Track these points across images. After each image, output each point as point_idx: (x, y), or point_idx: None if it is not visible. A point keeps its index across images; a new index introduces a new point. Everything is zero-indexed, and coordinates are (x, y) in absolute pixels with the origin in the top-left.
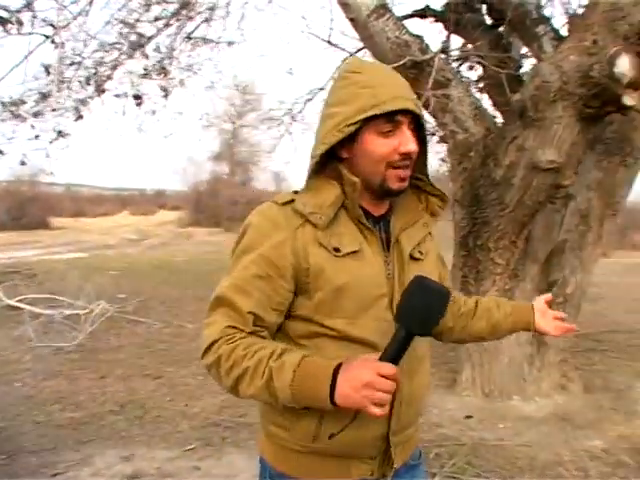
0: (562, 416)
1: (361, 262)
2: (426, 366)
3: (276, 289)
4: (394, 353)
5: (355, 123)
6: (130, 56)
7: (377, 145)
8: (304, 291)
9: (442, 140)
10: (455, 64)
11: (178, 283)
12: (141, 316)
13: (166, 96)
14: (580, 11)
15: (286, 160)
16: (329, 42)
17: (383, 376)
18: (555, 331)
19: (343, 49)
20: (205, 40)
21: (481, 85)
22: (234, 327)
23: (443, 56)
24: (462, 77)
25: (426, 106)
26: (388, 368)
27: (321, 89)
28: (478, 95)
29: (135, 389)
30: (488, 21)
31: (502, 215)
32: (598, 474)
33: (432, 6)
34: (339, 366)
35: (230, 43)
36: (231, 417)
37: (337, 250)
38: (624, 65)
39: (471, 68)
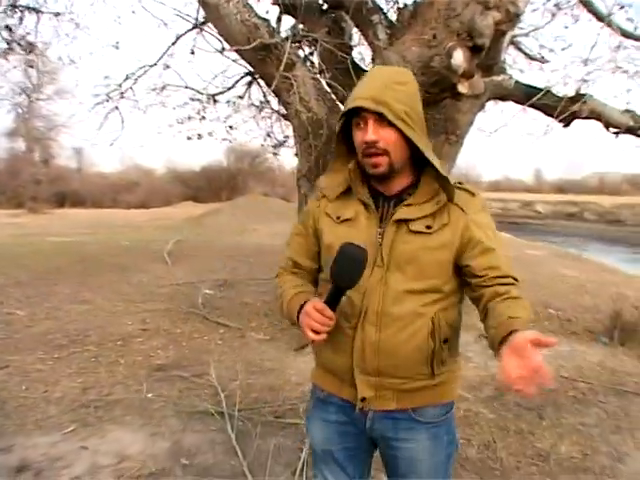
0: None
1: (353, 228)
2: (407, 329)
3: (307, 242)
4: (327, 298)
5: (341, 118)
6: None
7: (355, 137)
8: (320, 246)
9: (286, 118)
10: (298, 46)
11: None
12: None
13: None
14: (409, 2)
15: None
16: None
17: (317, 309)
18: (514, 382)
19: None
20: (29, 9)
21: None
22: (282, 267)
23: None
24: (306, 59)
25: (272, 85)
26: (319, 305)
27: (153, 65)
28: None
29: None
30: (324, 5)
31: None
32: None
33: None
34: (306, 302)
35: (57, 14)
36: (98, 397)
37: (338, 218)
38: (459, 58)
39: (312, 53)
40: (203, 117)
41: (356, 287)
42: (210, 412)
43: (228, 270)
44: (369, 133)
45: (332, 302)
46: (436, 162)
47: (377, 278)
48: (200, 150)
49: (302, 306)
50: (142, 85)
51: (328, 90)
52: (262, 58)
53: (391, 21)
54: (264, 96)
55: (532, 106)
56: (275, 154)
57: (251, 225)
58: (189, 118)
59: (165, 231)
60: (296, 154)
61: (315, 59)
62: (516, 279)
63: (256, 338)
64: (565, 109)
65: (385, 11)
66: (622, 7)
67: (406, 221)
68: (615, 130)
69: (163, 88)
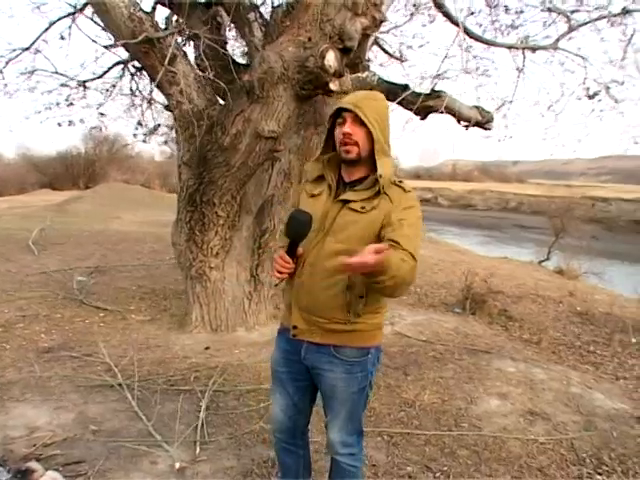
0: None
1: (316, 202)
2: (329, 280)
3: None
4: (286, 249)
5: (330, 119)
6: None
7: (336, 131)
8: None
9: (167, 109)
10: (180, 40)
11: None
12: None
13: None
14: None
15: None
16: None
17: (280, 257)
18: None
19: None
20: None
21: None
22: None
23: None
24: (186, 53)
25: (156, 79)
26: (282, 254)
27: (26, 49)
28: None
29: None
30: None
31: (227, 175)
32: None
33: None
34: None
35: None
36: None
37: (310, 194)
38: (331, 59)
39: (195, 46)
40: (71, 103)
41: (305, 244)
42: (109, 384)
43: (97, 257)
44: (346, 126)
45: (290, 252)
46: (380, 161)
47: (318, 239)
48: (55, 136)
49: None
50: (12, 69)
51: (207, 83)
52: (146, 51)
53: (266, 19)
54: (136, 85)
55: (393, 101)
56: (145, 142)
57: (114, 213)
58: (57, 104)
59: (26, 219)
60: (177, 142)
61: (191, 53)
62: (413, 255)
63: (137, 319)
64: (423, 104)
65: (261, 9)
66: (472, 13)
67: (348, 202)
68: (465, 123)
69: (32, 72)
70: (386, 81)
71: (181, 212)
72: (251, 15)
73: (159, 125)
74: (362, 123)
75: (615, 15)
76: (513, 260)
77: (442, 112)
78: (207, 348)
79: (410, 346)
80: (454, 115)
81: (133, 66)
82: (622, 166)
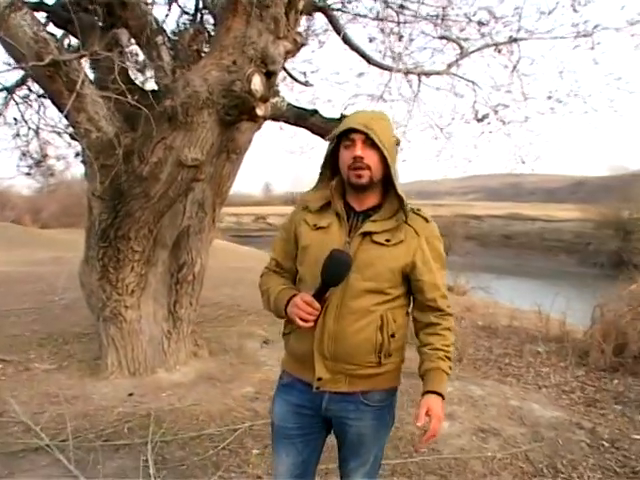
0: (207, 377)
1: (326, 235)
2: (360, 322)
3: (288, 246)
4: (315, 292)
5: (333, 141)
6: None
7: (343, 156)
8: (297, 249)
9: (73, 138)
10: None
11: None
12: None
13: None
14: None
15: None
16: None
17: (306, 302)
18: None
19: None
20: None
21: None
22: (267, 267)
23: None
24: (94, 78)
25: (62, 105)
26: (307, 297)
27: None
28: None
29: None
30: (101, 23)
31: (146, 207)
32: (262, 408)
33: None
34: (293, 296)
35: None
36: None
37: (314, 225)
38: (257, 83)
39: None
40: None
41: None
42: (34, 447)
43: None
44: (357, 149)
45: (319, 296)
46: (399, 187)
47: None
48: None
49: (290, 299)
50: None
51: (114, 109)
52: (50, 75)
53: (175, 42)
54: (21, 114)
55: (301, 126)
56: (29, 174)
57: None
58: None
59: None
60: (86, 175)
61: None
62: (447, 312)
63: (42, 369)
64: (330, 129)
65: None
66: (371, 40)
67: (370, 234)
68: None
69: None
70: (295, 106)
71: (92, 249)
72: (159, 39)
73: (46, 156)
74: (373, 145)
75: (503, 43)
76: None
77: None
78: (131, 394)
79: None
80: None
81: (18, 95)
82: (487, 184)
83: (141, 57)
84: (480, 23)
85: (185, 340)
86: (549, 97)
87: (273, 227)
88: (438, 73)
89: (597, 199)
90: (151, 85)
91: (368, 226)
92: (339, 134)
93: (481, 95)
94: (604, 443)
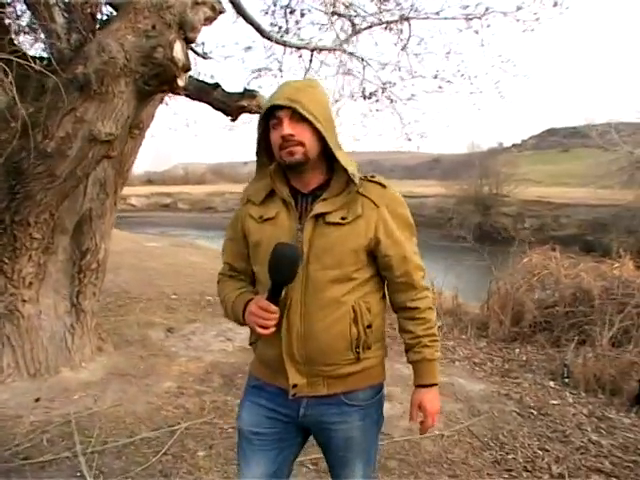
0: (118, 373)
1: (274, 226)
2: (330, 317)
3: (238, 245)
4: (268, 294)
5: (260, 123)
6: None
7: (272, 137)
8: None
9: None
10: None
11: None
12: None
13: None
14: None
15: None
16: None
17: (262, 307)
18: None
19: None
20: None
21: None
22: (221, 273)
23: None
24: None
25: None
26: (262, 302)
27: None
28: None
29: None
30: None
31: (49, 188)
32: (192, 404)
33: None
34: (250, 301)
35: None
36: None
37: (260, 217)
38: (178, 51)
39: None
40: None
41: None
42: None
43: None
44: (284, 127)
45: (273, 297)
46: (342, 156)
47: (299, 270)
48: None
49: (246, 305)
50: None
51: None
52: None
53: (69, 3)
54: None
55: (203, 100)
56: None
57: None
58: None
59: None
60: None
61: None
62: (423, 286)
63: None
64: (235, 104)
65: None
66: (266, 12)
67: (323, 215)
68: None
69: None
70: (198, 80)
71: None
72: None
73: None
74: (303, 119)
75: (393, 22)
76: None
77: (256, 112)
78: (37, 400)
79: None
80: None
81: None
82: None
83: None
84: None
85: (89, 334)
86: (435, 76)
87: (136, 208)
88: (331, 49)
89: (453, 176)
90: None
91: (319, 207)
92: (264, 114)
93: (370, 72)
94: (532, 411)
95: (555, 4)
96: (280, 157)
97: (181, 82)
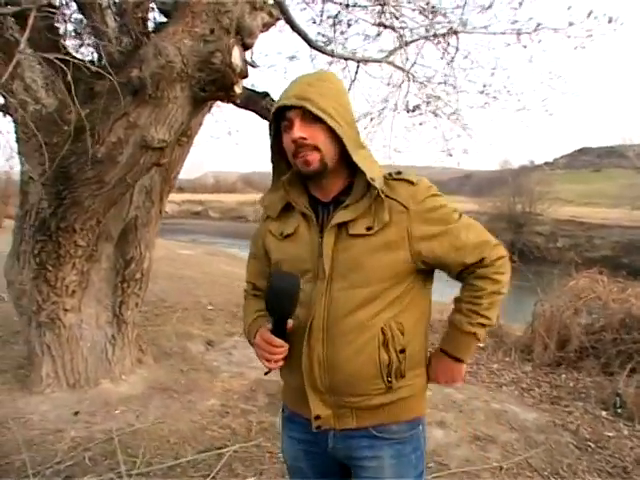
0: (160, 387)
1: (295, 243)
2: (355, 342)
3: (260, 263)
4: (272, 328)
5: (270, 130)
6: None
7: (285, 142)
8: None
9: (4, 112)
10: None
11: None
12: None
13: None
14: None
15: None
16: None
17: (266, 341)
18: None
19: None
20: None
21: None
22: (245, 290)
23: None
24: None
25: None
26: (266, 335)
27: None
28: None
29: None
30: None
31: (97, 194)
32: (238, 425)
33: None
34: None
35: None
36: None
37: (281, 234)
38: (237, 57)
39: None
40: None
41: (301, 302)
42: None
43: None
44: (295, 130)
45: (279, 331)
46: (361, 158)
47: (321, 291)
48: None
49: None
50: None
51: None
52: None
53: (120, 6)
54: None
55: (251, 109)
56: None
57: None
58: None
59: None
60: (20, 155)
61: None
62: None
63: None
64: None
65: None
66: (314, 22)
67: (345, 224)
68: None
69: None
70: (247, 88)
71: (26, 242)
72: (105, 1)
73: None
74: (316, 119)
75: (441, 35)
76: None
77: None
78: (77, 413)
79: None
80: None
81: None
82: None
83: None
84: (422, 13)
85: (130, 346)
86: (482, 92)
87: (168, 215)
88: (378, 61)
89: (485, 192)
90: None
91: (339, 215)
92: (274, 117)
93: (415, 86)
94: (590, 444)
95: (610, 20)
96: (295, 165)
97: (238, 89)
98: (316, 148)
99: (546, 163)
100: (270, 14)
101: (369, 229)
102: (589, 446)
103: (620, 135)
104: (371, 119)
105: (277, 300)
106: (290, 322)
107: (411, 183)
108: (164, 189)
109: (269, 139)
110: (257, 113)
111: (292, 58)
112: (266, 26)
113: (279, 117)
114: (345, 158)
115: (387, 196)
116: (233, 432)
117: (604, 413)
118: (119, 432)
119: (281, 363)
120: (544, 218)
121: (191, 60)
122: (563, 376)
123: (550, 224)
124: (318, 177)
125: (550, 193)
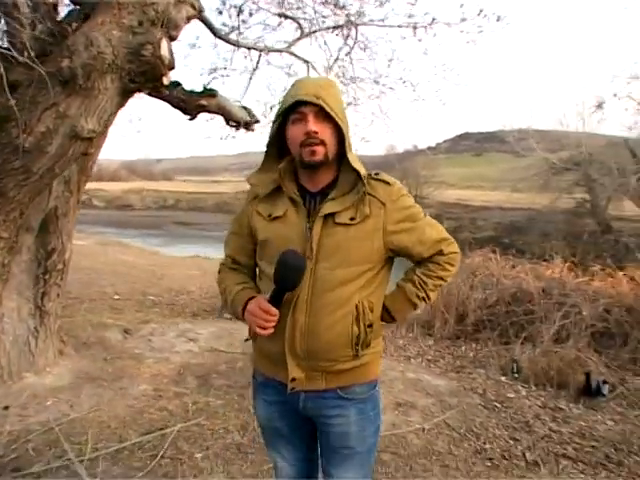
0: (87, 377)
1: (283, 224)
2: (333, 315)
3: (243, 240)
4: (271, 298)
5: (279, 117)
6: None
7: (292, 132)
8: (255, 243)
9: None
10: None
11: None
12: None
13: None
14: None
15: None
16: None
17: (262, 309)
18: None
19: None
20: None
21: None
22: (222, 263)
23: None
24: None
25: None
26: (264, 304)
27: None
28: None
29: None
30: None
31: (24, 185)
32: (175, 406)
33: None
34: (250, 299)
35: None
36: None
37: (269, 216)
38: (165, 49)
39: None
40: None
41: None
42: None
43: None
44: (310, 124)
45: (276, 300)
46: (354, 158)
47: (307, 270)
48: None
49: (247, 302)
50: None
51: None
52: None
53: None
54: None
55: (161, 98)
56: None
57: None
58: None
59: None
60: None
61: None
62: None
63: None
64: (195, 103)
65: None
66: (220, 12)
67: (332, 214)
68: (234, 124)
69: None
70: None
71: None
72: None
73: None
74: (327, 118)
75: (341, 26)
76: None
77: (214, 112)
78: (6, 408)
79: (234, 361)
80: (224, 115)
81: None
82: (260, 160)
83: None
84: (323, 4)
85: (52, 337)
86: (376, 82)
87: None
88: (280, 50)
89: None
90: None
91: (328, 207)
92: (286, 109)
93: (314, 75)
94: (496, 404)
95: (498, 19)
96: (300, 154)
97: (166, 80)
98: (323, 142)
99: (429, 148)
100: (193, 6)
101: (352, 219)
102: (495, 406)
103: (500, 121)
104: (271, 108)
105: (288, 273)
106: (286, 295)
107: (387, 184)
108: (81, 179)
109: (273, 126)
110: (168, 102)
111: (193, 46)
112: (189, 18)
113: (287, 110)
114: (337, 156)
115: (368, 193)
116: (171, 413)
117: (504, 378)
118: (57, 422)
119: (272, 330)
120: (430, 201)
121: (121, 51)
122: (463, 347)
123: (436, 207)
124: (315, 168)
125: (435, 177)
